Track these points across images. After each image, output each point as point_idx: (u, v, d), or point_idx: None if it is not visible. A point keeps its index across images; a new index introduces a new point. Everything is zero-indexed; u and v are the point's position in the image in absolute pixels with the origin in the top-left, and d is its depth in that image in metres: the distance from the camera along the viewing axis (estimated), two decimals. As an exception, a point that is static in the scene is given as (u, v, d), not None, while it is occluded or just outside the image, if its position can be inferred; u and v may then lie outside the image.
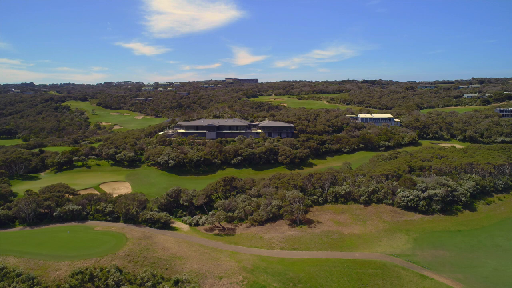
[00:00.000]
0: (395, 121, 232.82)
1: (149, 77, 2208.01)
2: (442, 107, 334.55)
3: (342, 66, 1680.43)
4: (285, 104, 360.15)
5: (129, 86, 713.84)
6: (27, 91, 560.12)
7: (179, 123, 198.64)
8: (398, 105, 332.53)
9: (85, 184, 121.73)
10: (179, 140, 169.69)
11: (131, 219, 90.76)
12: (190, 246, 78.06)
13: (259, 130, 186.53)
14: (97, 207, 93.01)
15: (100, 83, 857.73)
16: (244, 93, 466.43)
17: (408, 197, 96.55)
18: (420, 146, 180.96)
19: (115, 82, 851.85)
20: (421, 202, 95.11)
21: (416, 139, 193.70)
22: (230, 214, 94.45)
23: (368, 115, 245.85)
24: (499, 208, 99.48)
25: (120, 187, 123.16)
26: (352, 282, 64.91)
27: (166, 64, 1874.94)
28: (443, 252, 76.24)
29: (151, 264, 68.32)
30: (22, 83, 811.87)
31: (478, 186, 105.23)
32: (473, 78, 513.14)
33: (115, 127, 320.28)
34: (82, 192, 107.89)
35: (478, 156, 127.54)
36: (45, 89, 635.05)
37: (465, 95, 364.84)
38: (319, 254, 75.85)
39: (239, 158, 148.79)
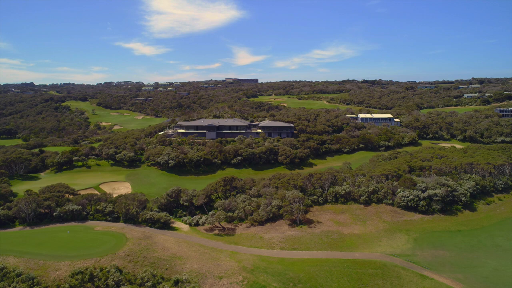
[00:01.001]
0: (395, 121, 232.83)
1: (149, 77, 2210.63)
2: (442, 107, 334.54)
3: (342, 66, 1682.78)
4: (285, 104, 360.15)
5: (129, 86, 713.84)
6: (27, 91, 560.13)
7: (179, 123, 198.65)
8: (398, 105, 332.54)
9: (85, 184, 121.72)
10: (179, 140, 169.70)
11: (131, 219, 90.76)
12: (190, 246, 78.06)
13: (259, 130, 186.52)
14: (97, 207, 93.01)
15: (100, 83, 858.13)
16: (244, 93, 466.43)
17: (408, 197, 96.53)
18: (420, 146, 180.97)
19: (115, 82, 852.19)
20: (421, 202, 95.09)
21: (416, 139, 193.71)
22: (230, 214, 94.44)
23: (368, 115, 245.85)
24: (499, 208, 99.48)
25: (120, 187, 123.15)
26: (352, 282, 64.91)
27: (166, 64, 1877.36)
28: (443, 252, 76.24)
29: (151, 264, 68.32)
30: (22, 83, 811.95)
31: (478, 186, 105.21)
32: (473, 78, 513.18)
33: (115, 127, 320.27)
34: (82, 192, 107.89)
35: (478, 156, 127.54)
36: (45, 89, 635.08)
37: (465, 95, 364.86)
38: (319, 254, 75.85)
39: (239, 158, 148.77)
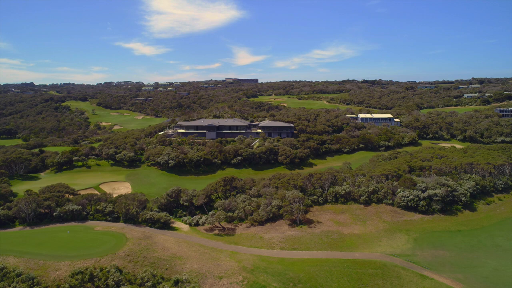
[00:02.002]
0: (395, 121, 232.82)
1: (149, 77, 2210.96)
2: (442, 107, 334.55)
3: (342, 66, 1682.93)
4: (285, 104, 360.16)
5: (129, 86, 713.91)
6: (27, 91, 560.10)
7: (179, 123, 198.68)
8: (398, 105, 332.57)
9: (85, 184, 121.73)
10: (179, 140, 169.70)
11: (131, 219, 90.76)
12: (190, 246, 78.06)
13: (259, 130, 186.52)
14: (97, 207, 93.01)
15: (100, 83, 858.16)
16: (244, 93, 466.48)
17: (408, 197, 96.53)
18: (420, 146, 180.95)
19: (115, 82, 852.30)
20: (421, 202, 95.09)
21: (416, 139, 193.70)
22: (230, 214, 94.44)
23: (368, 115, 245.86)
24: (499, 208, 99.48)
25: (120, 187, 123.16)
26: (352, 282, 64.91)
27: (166, 64, 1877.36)
28: (443, 252, 76.24)
29: (151, 264, 68.33)
30: (22, 83, 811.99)
31: (478, 186, 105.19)
32: (473, 78, 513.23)
33: (115, 127, 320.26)
34: (82, 192, 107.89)
35: (478, 156, 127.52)
36: (45, 89, 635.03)
37: (465, 95, 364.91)
38: (319, 254, 75.84)
39: (239, 158, 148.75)
